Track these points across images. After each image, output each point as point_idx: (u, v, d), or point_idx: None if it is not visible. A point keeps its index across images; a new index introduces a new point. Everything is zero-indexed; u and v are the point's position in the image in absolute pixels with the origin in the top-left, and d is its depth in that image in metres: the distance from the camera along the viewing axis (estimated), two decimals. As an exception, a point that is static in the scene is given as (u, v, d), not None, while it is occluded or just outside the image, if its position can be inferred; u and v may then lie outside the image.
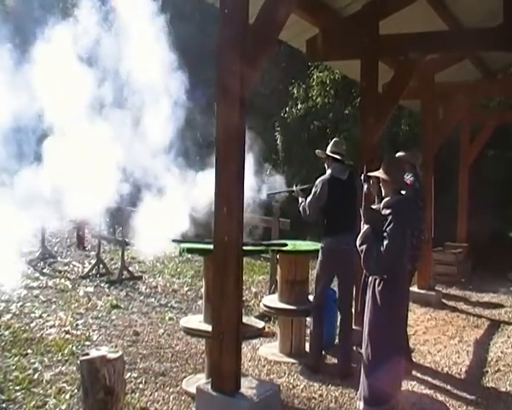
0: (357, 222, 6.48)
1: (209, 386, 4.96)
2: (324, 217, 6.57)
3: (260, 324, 6.26)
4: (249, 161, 6.45)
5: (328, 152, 6.66)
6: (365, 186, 5.06)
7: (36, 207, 7.24)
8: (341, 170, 6.60)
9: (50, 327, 7.88)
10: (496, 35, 7.24)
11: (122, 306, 9.23)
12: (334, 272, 6.59)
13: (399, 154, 7.03)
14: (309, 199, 6.60)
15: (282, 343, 7.18)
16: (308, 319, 6.99)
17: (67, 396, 5.61)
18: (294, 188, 7.06)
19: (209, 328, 5.26)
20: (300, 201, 6.75)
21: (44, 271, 11.69)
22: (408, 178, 6.48)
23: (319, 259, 6.61)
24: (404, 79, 7.93)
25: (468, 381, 6.50)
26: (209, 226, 5.51)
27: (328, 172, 6.62)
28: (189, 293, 10.41)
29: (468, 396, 6.01)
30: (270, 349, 7.24)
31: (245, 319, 5.67)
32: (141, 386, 5.99)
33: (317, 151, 6.91)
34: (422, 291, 9.88)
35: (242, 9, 4.87)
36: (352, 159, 7.25)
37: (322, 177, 6.61)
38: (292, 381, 6.28)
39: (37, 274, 11.30)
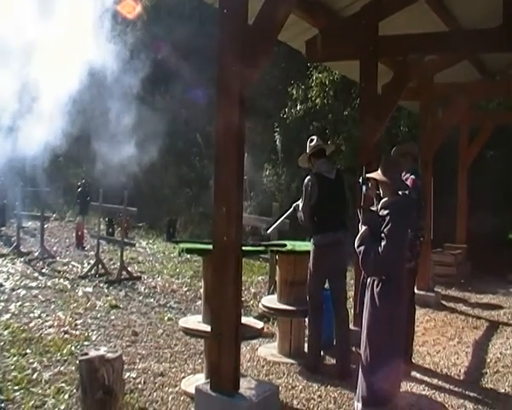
0: (348, 220, 6.53)
1: (208, 386, 4.96)
2: (314, 215, 6.53)
3: (259, 324, 6.25)
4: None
5: (308, 151, 6.67)
6: (364, 188, 5.05)
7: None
8: (328, 168, 6.60)
9: (49, 327, 7.87)
10: (495, 36, 7.23)
11: (121, 306, 9.23)
12: (327, 269, 6.54)
13: (398, 146, 6.99)
14: (301, 204, 6.60)
15: (281, 344, 7.18)
16: (307, 319, 6.98)
17: (66, 396, 5.61)
18: (293, 206, 7.02)
19: (208, 328, 5.26)
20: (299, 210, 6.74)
21: (43, 271, 11.71)
22: (408, 177, 6.43)
23: (311, 257, 6.57)
24: (403, 80, 7.94)
25: (467, 382, 6.50)
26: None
27: (314, 170, 6.61)
28: (188, 293, 10.41)
29: (467, 397, 6.01)
30: (269, 350, 7.24)
31: (244, 320, 5.67)
32: (140, 386, 5.99)
33: (299, 162, 6.92)
34: (421, 292, 9.86)
35: (241, 10, 4.88)
36: (351, 160, 7.26)
37: (309, 176, 6.58)
38: (291, 381, 6.27)
39: (36, 274, 11.31)
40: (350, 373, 6.23)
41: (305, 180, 6.58)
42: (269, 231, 8.31)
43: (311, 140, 6.70)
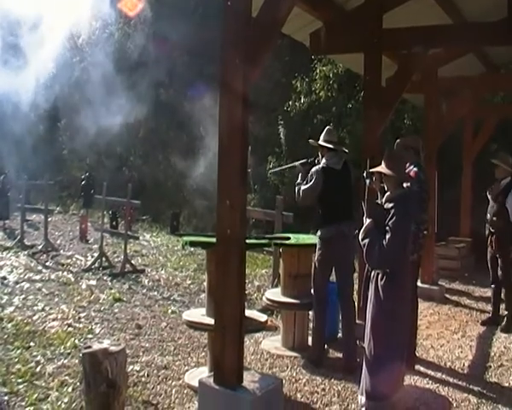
0: (354, 211, 6.52)
1: (211, 380, 4.95)
2: (320, 207, 6.54)
3: (263, 317, 6.26)
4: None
5: (321, 142, 6.65)
6: (368, 181, 5.05)
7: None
8: (336, 160, 6.59)
9: (53, 320, 7.89)
10: (500, 29, 7.20)
11: (124, 299, 9.25)
12: (333, 262, 6.55)
13: (401, 139, 6.96)
14: (304, 187, 6.57)
15: (284, 337, 7.18)
16: (311, 312, 6.98)
17: (70, 389, 5.63)
18: (296, 163, 7.02)
19: (212, 321, 5.25)
20: (298, 181, 6.73)
21: (47, 264, 11.74)
22: (411, 169, 6.39)
23: (318, 250, 6.57)
24: (407, 73, 7.89)
25: (471, 376, 6.48)
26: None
27: (323, 161, 6.59)
28: (191, 286, 10.42)
29: (471, 391, 6.00)
30: (272, 343, 7.24)
31: (248, 313, 5.67)
32: (143, 379, 6.00)
33: (310, 141, 6.92)
34: (425, 286, 9.84)
35: (246, 2, 4.85)
36: (355, 153, 7.23)
37: (317, 167, 6.58)
38: (294, 375, 6.27)
39: (39, 267, 11.34)
40: (355, 367, 6.23)
41: (314, 168, 6.56)
42: (271, 172, 8.53)
43: (330, 132, 6.71)
